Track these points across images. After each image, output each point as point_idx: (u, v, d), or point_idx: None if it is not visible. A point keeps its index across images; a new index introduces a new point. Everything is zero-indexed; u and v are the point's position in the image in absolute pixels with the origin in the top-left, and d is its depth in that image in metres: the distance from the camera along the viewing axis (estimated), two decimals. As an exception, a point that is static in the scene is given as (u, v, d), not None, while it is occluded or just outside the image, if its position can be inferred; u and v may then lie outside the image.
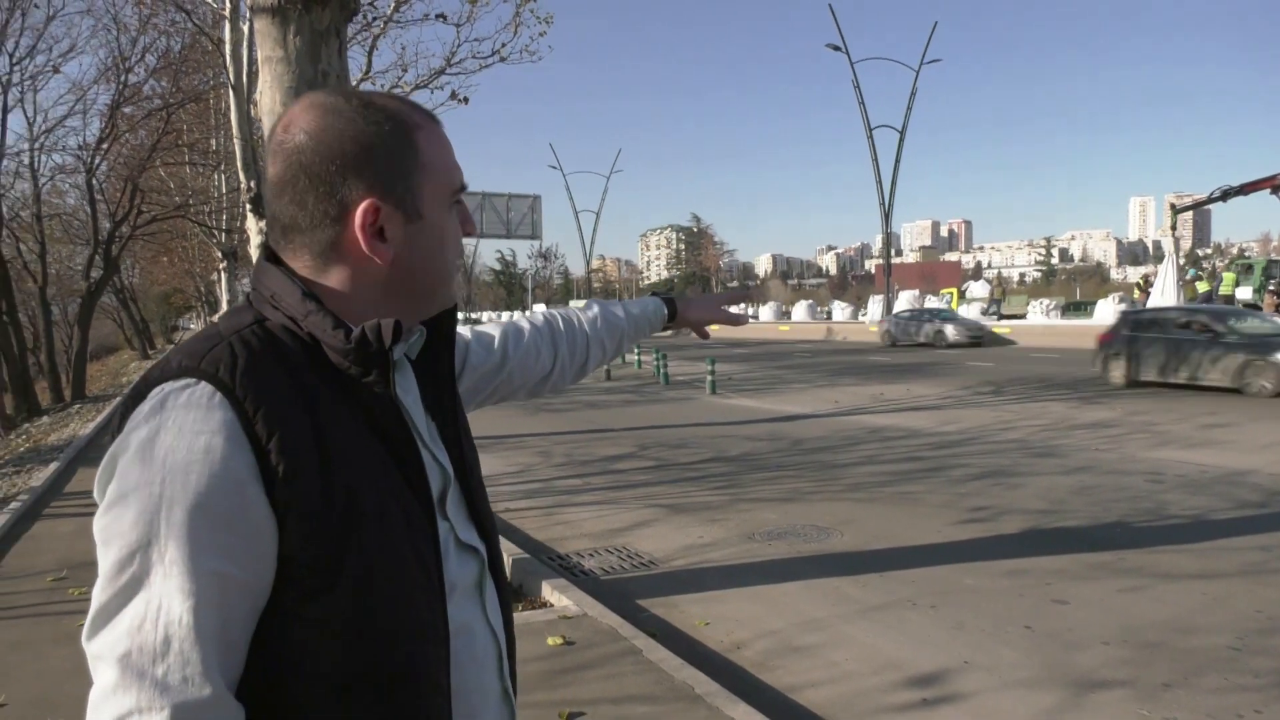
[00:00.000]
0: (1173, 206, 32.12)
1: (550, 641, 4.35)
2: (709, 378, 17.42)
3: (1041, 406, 13.56)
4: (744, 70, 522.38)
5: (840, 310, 47.61)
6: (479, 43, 9.72)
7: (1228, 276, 28.42)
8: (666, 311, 1.66)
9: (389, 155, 0.97)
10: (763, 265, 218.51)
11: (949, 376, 18.89)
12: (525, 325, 1.48)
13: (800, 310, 49.56)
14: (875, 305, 43.65)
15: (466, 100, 9.46)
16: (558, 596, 5.08)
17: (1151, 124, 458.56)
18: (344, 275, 0.98)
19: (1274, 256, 43.95)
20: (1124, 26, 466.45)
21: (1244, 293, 29.81)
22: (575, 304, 1.74)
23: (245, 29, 9.25)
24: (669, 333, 1.73)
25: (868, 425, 12.17)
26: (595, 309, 1.59)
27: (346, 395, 0.94)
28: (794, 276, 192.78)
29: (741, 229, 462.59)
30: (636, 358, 24.94)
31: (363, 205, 0.95)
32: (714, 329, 1.73)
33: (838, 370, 21.72)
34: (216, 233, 22.48)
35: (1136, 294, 31.62)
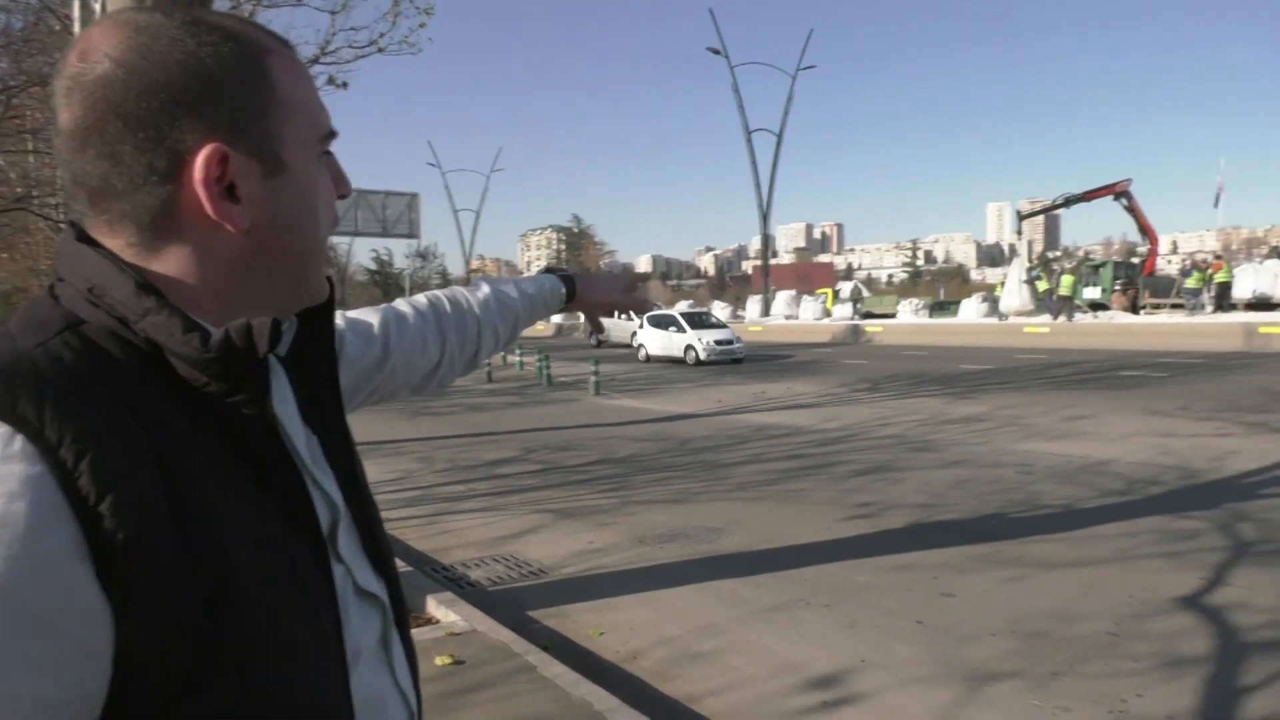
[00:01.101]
0: (1019, 213, 34.53)
1: (438, 661, 4.11)
2: (593, 379, 17.32)
3: (917, 402, 14.02)
4: (626, 72, 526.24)
5: (719, 310, 48.27)
6: (355, 31, 9.25)
7: (1065, 279, 30.35)
8: (565, 290, 1.47)
9: (235, 86, 0.72)
10: (643, 265, 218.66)
11: (827, 374, 19.38)
12: (408, 310, 1.24)
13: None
14: (754, 305, 44.60)
15: (345, 85, 8.98)
16: (444, 612, 4.82)
17: (1008, 130, 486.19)
18: (184, 254, 0.73)
19: (1117, 259, 47.24)
20: (985, 31, 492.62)
21: (1092, 293, 31.86)
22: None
23: (96, 6, 8.55)
24: (562, 315, 1.55)
25: (752, 424, 12.29)
26: (485, 289, 1.36)
27: (203, 420, 0.70)
28: (673, 277, 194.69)
29: (622, 230, 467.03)
30: (519, 359, 24.58)
31: (204, 153, 0.70)
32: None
33: (720, 370, 21.98)
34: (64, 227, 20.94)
35: (998, 293, 33.50)
